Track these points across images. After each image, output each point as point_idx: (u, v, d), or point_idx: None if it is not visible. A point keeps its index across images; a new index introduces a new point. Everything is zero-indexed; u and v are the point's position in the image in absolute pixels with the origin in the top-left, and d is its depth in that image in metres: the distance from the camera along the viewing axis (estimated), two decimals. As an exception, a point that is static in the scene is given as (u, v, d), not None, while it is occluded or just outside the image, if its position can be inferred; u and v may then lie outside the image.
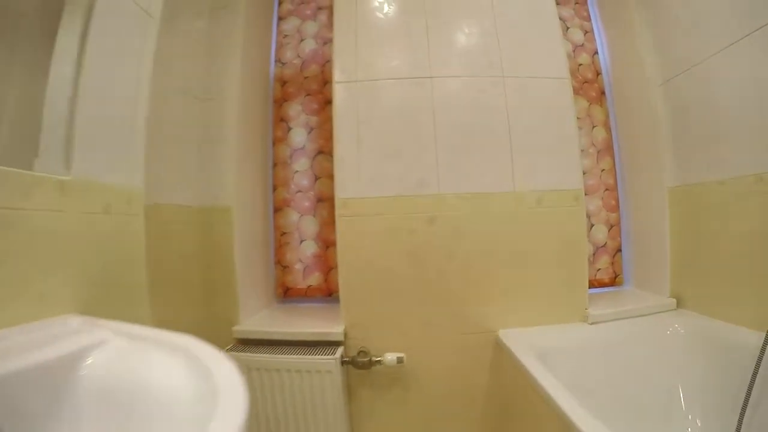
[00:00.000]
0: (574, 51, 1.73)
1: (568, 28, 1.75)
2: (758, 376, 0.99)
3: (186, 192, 1.32)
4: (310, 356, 1.23)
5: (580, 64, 1.72)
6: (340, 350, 1.26)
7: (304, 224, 1.66)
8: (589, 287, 1.55)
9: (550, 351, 1.17)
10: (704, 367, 1.19)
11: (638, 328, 1.31)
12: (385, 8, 1.47)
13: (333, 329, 1.29)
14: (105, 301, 0.79)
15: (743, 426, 1.00)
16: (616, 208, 1.65)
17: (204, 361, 0.48)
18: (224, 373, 0.46)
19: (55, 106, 0.75)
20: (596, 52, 1.75)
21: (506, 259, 1.34)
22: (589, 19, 1.79)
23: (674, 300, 1.41)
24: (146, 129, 0.96)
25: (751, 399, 1.00)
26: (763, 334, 1.00)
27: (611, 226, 1.64)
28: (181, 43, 1.35)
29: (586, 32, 1.76)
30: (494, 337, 1.31)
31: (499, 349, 1.27)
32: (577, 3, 1.79)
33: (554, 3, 1.46)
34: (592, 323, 1.33)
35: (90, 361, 0.54)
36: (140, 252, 0.93)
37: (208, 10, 1.55)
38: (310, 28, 1.81)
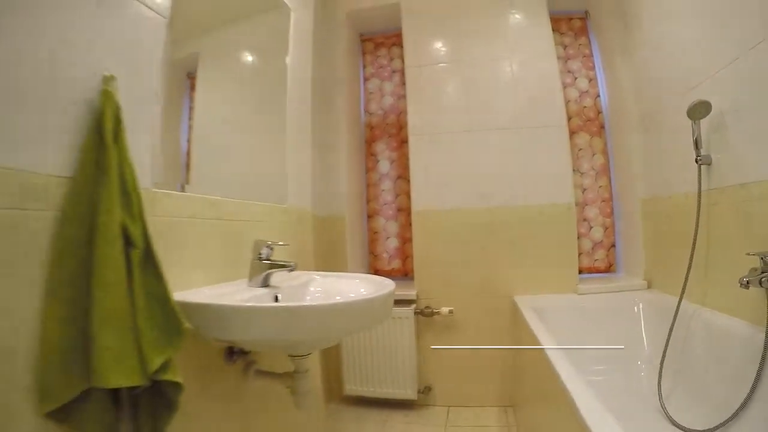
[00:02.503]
0: (580, 96, 2.34)
1: (576, 78, 2.37)
2: (674, 328, 1.59)
3: (315, 206, 2.16)
4: (394, 308, 2.02)
5: (585, 107, 2.33)
6: (413, 305, 2.06)
7: (388, 227, 2.49)
8: (587, 273, 2.23)
9: (546, 309, 1.86)
10: (653, 326, 1.82)
11: (613, 300, 1.95)
12: (442, 79, 2.22)
13: (410, 292, 2.09)
14: (300, 264, 1.63)
15: (666, 359, 1.61)
16: (610, 214, 2.27)
17: (372, 278, 1.28)
18: (381, 280, 1.24)
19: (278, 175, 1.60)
20: (598, 95, 2.34)
21: (520, 249, 2.06)
22: (593, 68, 2.38)
23: (646, 282, 2.01)
24: (313, 177, 1.82)
25: (670, 342, 1.60)
26: (692, 305, 1.58)
27: (606, 228, 2.26)
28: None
29: (590, 80, 2.36)
30: (511, 300, 2.03)
31: (514, 307, 2.00)
32: (584, 56, 2.39)
33: (557, 69, 2.11)
34: (580, 294, 1.99)
35: (312, 284, 1.36)
36: (311, 243, 1.78)
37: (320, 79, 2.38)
38: (388, 86, 2.59)
